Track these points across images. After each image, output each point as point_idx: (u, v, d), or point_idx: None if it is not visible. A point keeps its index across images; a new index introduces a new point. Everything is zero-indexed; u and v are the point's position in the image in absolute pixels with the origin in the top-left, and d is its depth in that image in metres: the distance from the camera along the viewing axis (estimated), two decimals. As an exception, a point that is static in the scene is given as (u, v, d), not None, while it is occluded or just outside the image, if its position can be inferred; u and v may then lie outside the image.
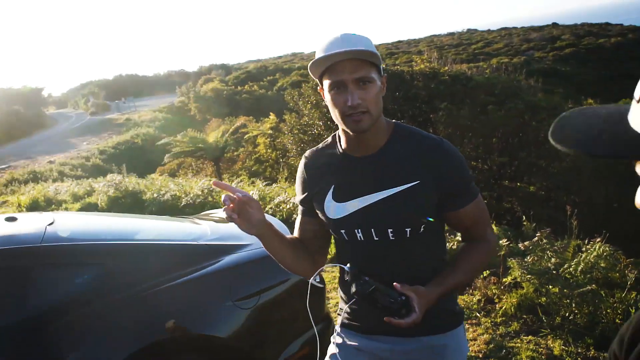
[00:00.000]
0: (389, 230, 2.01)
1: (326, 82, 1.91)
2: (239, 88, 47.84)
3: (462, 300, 5.08)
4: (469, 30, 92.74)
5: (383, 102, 1.96)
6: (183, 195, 10.34)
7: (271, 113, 22.73)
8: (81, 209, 10.98)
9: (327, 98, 1.94)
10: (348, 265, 1.94)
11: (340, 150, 2.10)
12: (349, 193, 2.06)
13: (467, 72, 16.62)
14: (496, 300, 5.07)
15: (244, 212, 1.92)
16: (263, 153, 21.68)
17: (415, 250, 2.06)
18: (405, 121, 14.77)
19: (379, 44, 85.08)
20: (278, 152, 20.39)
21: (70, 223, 4.13)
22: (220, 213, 5.16)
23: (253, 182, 12.26)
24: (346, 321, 2.25)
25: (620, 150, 0.71)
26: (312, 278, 2.15)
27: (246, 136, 23.85)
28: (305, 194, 2.20)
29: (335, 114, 1.94)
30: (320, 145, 2.23)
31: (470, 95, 14.41)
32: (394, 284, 1.85)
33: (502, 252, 5.67)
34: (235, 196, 1.88)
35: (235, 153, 24.51)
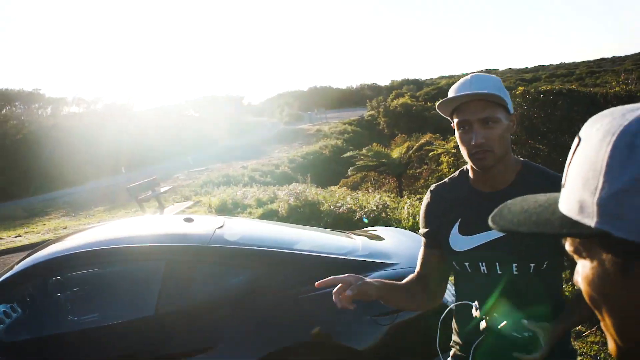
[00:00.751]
0: (514, 265, 2.04)
1: (455, 120, 2.03)
2: (429, 104, 47.54)
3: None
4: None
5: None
6: (358, 209, 10.62)
7: (457, 132, 22.41)
8: (263, 215, 11.63)
9: (457, 135, 2.05)
10: (476, 302, 1.98)
11: (469, 185, 2.18)
12: (475, 227, 2.11)
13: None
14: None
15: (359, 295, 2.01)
16: (445, 172, 21.45)
17: (536, 285, 2.07)
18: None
19: (580, 62, 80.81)
20: (461, 172, 20.02)
21: (237, 228, 4.54)
22: (379, 231, 5.36)
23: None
24: (458, 353, 2.29)
25: (544, 229, 0.78)
26: (442, 317, 2.22)
27: (430, 154, 23.74)
28: (431, 226, 2.27)
29: (462, 151, 2.05)
30: (446, 180, 2.31)
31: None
32: (522, 320, 1.88)
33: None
34: (345, 293, 1.93)
35: (418, 170, 24.50)
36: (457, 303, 2.24)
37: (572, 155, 0.78)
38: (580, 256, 0.79)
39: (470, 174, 2.16)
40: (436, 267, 2.31)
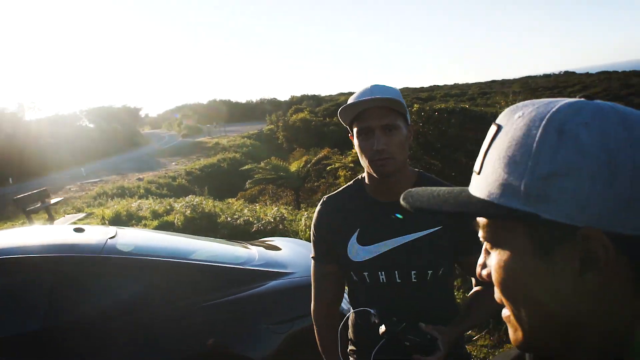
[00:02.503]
0: (412, 273, 2.07)
1: (355, 129, 2.02)
2: (328, 120, 48.03)
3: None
4: (566, 72, 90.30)
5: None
6: (255, 221, 10.58)
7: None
8: (159, 227, 11.38)
9: (356, 143, 2.04)
10: (373, 309, 1.98)
11: (366, 194, 2.17)
12: (373, 237, 2.11)
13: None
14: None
15: None
16: (343, 185, 21.62)
17: (434, 292, 2.11)
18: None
19: (473, 83, 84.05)
20: (357, 186, 20.22)
21: (130, 238, 4.40)
22: (276, 241, 5.35)
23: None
24: None
25: (468, 210, 0.79)
26: (341, 325, 2.20)
27: (328, 168, 23.90)
28: (327, 239, 2.23)
29: (362, 159, 2.03)
30: (341, 190, 2.29)
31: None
32: (420, 324, 1.89)
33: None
34: None
35: (315, 184, 24.62)
36: (356, 310, 2.23)
37: (490, 143, 0.79)
38: (497, 244, 0.80)
39: (369, 184, 2.16)
40: (333, 280, 2.29)
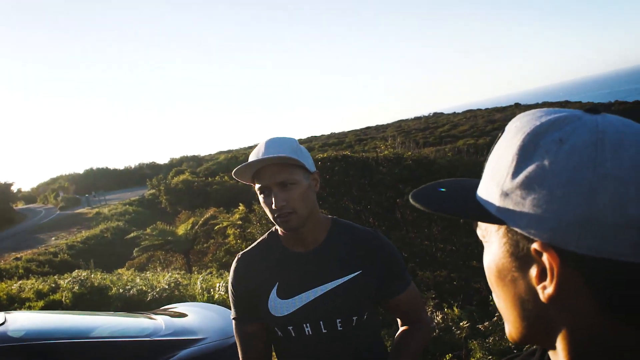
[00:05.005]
0: (338, 321, 2.05)
1: (256, 186, 2.01)
2: (210, 179, 47.67)
3: (424, 384, 5.05)
4: (435, 113, 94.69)
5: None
6: (149, 290, 10.21)
7: (240, 204, 22.72)
8: (44, 307, 10.73)
9: (260, 200, 2.03)
10: None
11: (281, 247, 2.15)
12: (294, 289, 2.08)
13: (430, 156, 16.92)
14: (458, 384, 5.04)
15: None
16: (233, 244, 21.43)
17: (360, 337, 2.10)
18: (371, 207, 15.00)
19: (349, 131, 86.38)
20: (248, 243, 20.17)
21: (23, 323, 4.10)
22: (180, 307, 5.17)
23: (221, 275, 12.19)
24: None
25: (456, 211, 0.84)
26: None
27: (216, 227, 23.65)
28: (246, 297, 2.17)
29: (268, 214, 2.02)
30: (255, 245, 2.25)
31: (434, 178, 14.65)
32: None
33: (464, 334, 5.67)
34: None
35: (205, 245, 24.27)
36: None
37: (493, 147, 0.82)
38: (486, 243, 0.84)
39: (282, 236, 2.15)
40: (258, 340, 2.20)
